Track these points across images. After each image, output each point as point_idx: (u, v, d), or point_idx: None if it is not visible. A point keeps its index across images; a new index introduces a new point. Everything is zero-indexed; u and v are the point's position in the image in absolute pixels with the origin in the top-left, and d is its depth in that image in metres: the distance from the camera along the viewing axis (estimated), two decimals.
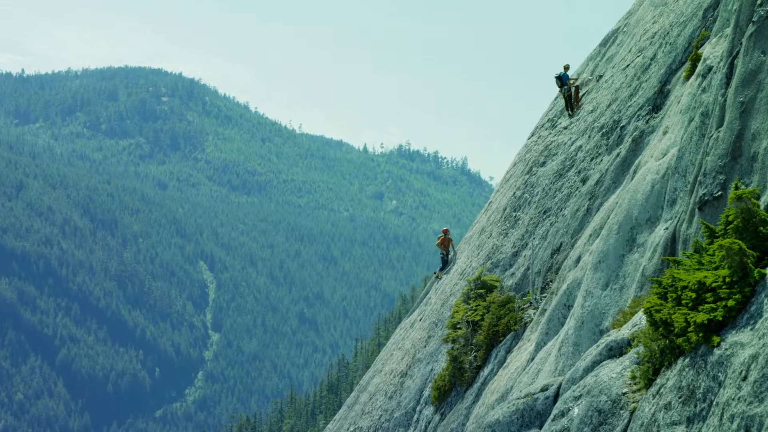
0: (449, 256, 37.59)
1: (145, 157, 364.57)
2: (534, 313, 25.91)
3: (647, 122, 24.75)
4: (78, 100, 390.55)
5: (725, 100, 14.74)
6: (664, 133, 19.22)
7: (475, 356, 27.43)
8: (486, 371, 26.44)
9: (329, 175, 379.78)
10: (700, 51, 21.98)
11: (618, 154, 25.42)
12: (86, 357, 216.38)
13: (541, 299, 26.05)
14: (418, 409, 29.86)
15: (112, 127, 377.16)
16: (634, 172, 20.04)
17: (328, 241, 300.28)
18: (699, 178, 15.29)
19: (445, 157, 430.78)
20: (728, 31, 17.51)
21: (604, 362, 14.12)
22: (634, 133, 24.85)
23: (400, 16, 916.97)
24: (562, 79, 32.47)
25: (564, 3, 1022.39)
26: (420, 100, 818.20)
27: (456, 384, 27.99)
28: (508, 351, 26.03)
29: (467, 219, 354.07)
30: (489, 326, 27.05)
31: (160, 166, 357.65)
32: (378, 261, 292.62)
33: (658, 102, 24.96)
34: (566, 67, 33.13)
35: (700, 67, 18.11)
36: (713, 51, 18.01)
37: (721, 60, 15.93)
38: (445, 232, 38.18)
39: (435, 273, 38.62)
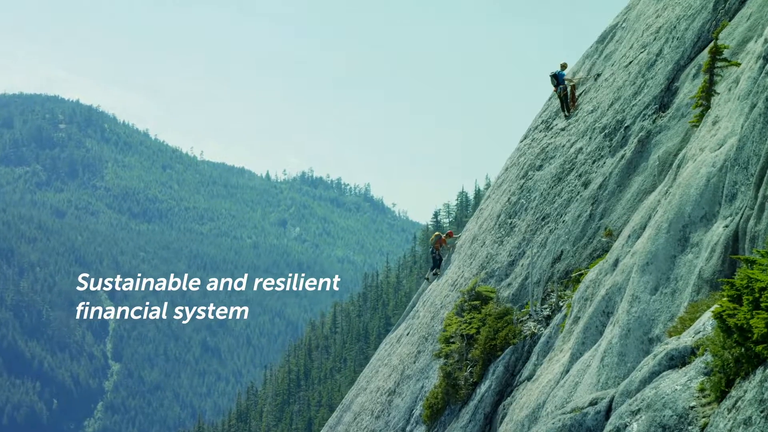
0: (442, 258, 36.28)
1: (42, 184, 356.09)
2: (534, 326, 24.57)
3: (654, 122, 23.60)
4: None
5: None
6: (714, 123, 17.86)
7: (470, 372, 25.91)
8: (483, 388, 24.94)
9: (231, 203, 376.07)
10: (720, 43, 20.86)
11: (623, 156, 24.23)
12: None
13: (542, 310, 24.75)
14: (408, 429, 28.23)
15: (8, 155, 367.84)
16: (679, 166, 18.64)
17: (231, 269, 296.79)
18: None
19: (348, 184, 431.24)
20: None
21: (664, 373, 12.60)
22: (640, 134, 23.70)
23: (298, 44, 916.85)
24: (558, 78, 31.12)
25: (469, 27, 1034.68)
26: (322, 128, 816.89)
27: (450, 402, 26.47)
28: (507, 366, 24.59)
29: (370, 245, 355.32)
30: (485, 340, 25.51)
31: (57, 193, 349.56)
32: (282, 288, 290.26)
33: (665, 100, 23.81)
34: (563, 66, 31.78)
35: (760, 49, 16.81)
36: None
37: None
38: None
39: (426, 277, 37.37)
